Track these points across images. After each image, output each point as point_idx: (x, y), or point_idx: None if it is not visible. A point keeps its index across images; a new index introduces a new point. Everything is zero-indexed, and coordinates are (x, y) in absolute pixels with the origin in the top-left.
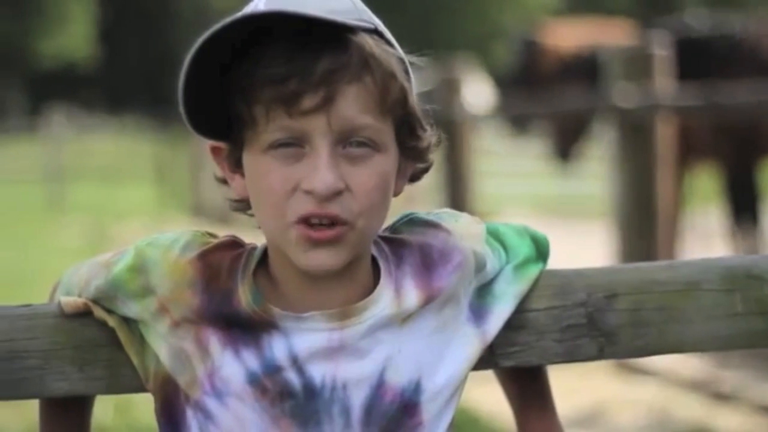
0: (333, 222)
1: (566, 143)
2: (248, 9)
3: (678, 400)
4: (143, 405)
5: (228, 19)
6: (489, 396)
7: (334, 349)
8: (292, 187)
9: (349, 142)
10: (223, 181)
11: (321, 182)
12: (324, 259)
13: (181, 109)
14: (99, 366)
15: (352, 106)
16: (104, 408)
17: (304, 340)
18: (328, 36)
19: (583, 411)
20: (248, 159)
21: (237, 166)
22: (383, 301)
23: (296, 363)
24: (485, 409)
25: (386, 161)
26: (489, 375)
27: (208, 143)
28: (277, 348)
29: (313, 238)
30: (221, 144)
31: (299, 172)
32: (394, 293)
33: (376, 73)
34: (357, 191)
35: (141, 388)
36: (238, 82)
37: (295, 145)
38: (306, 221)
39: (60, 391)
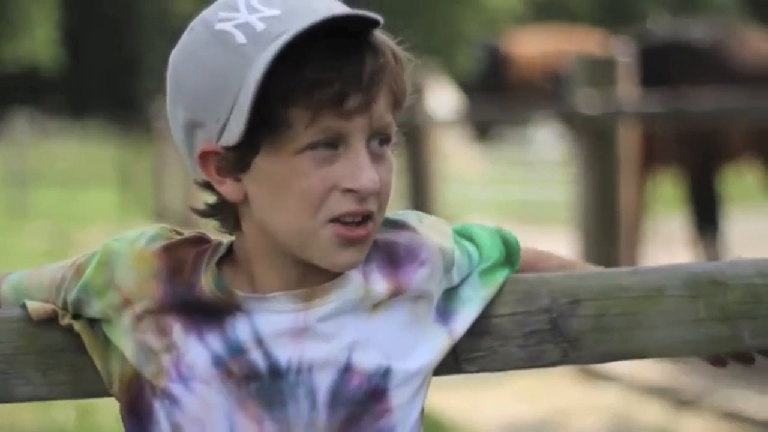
0: (365, 219)
1: None
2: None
3: (641, 405)
4: (105, 409)
5: (307, 23)
6: (452, 402)
7: (299, 330)
8: (329, 188)
9: (374, 140)
10: (205, 186)
11: (369, 180)
12: (355, 256)
13: (244, 120)
14: (62, 371)
15: (382, 104)
16: (66, 412)
17: (268, 321)
18: (359, 37)
19: (546, 416)
20: (271, 162)
21: (232, 170)
22: (351, 285)
23: (261, 344)
24: (448, 415)
25: (392, 156)
26: (451, 381)
27: (172, 148)
28: (241, 329)
29: (350, 237)
30: (215, 148)
31: (336, 172)
32: (363, 279)
33: (401, 72)
34: (381, 188)
35: (105, 393)
36: (273, 85)
37: (331, 146)
38: (340, 220)
39: (23, 396)
